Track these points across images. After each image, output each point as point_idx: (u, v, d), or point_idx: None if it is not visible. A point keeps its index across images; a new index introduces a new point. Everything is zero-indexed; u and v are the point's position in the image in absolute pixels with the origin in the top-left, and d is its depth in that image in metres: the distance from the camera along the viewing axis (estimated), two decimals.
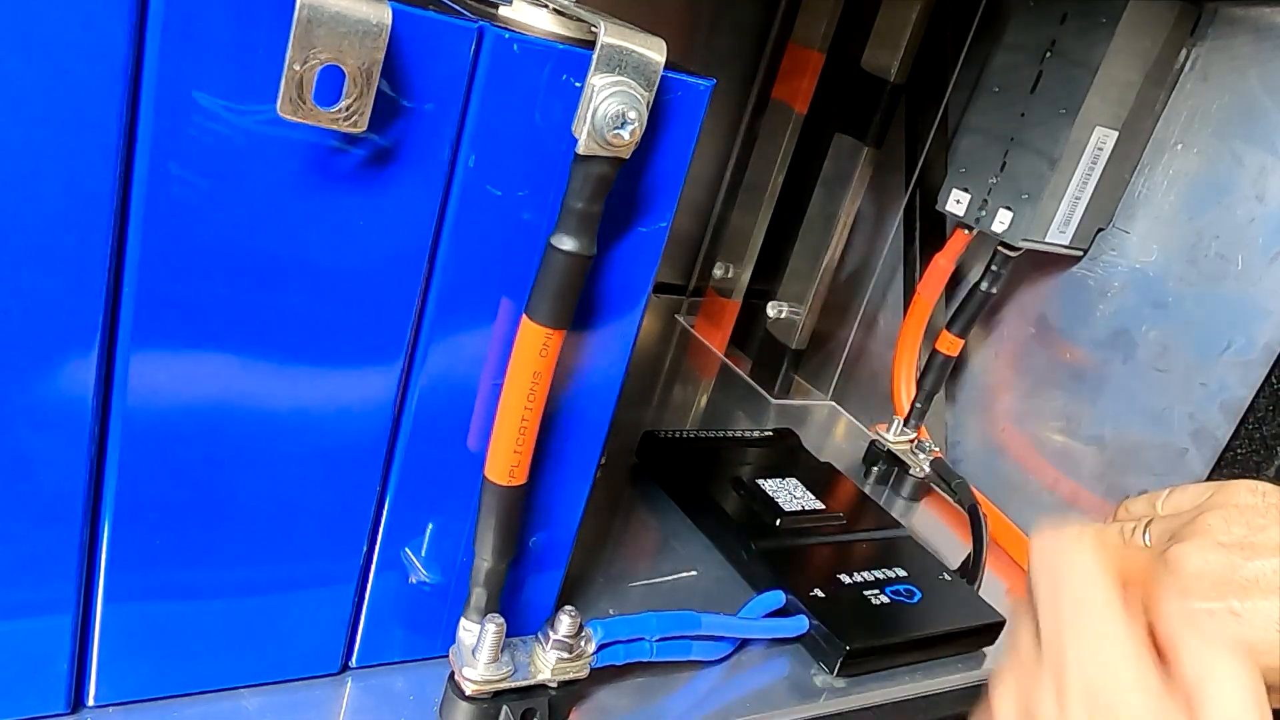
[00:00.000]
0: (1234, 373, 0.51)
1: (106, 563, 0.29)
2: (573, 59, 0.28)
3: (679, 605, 0.41)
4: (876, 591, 0.47)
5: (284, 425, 0.30)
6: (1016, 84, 0.56)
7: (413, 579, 0.35)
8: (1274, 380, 0.49)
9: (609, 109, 0.28)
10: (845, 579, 0.47)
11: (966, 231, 0.60)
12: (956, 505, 0.61)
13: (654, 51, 0.28)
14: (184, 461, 0.29)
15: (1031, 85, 0.55)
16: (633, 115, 0.28)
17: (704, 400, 0.72)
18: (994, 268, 0.59)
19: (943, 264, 0.62)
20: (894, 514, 0.56)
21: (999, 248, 0.58)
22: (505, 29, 0.28)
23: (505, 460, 0.32)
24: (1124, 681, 0.25)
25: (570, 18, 0.29)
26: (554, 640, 0.35)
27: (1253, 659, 0.25)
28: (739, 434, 0.60)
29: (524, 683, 0.34)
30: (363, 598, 0.35)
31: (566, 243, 0.29)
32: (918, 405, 0.64)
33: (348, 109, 0.25)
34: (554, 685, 0.35)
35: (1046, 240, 0.56)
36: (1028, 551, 0.33)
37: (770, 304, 0.73)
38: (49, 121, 0.23)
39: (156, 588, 0.30)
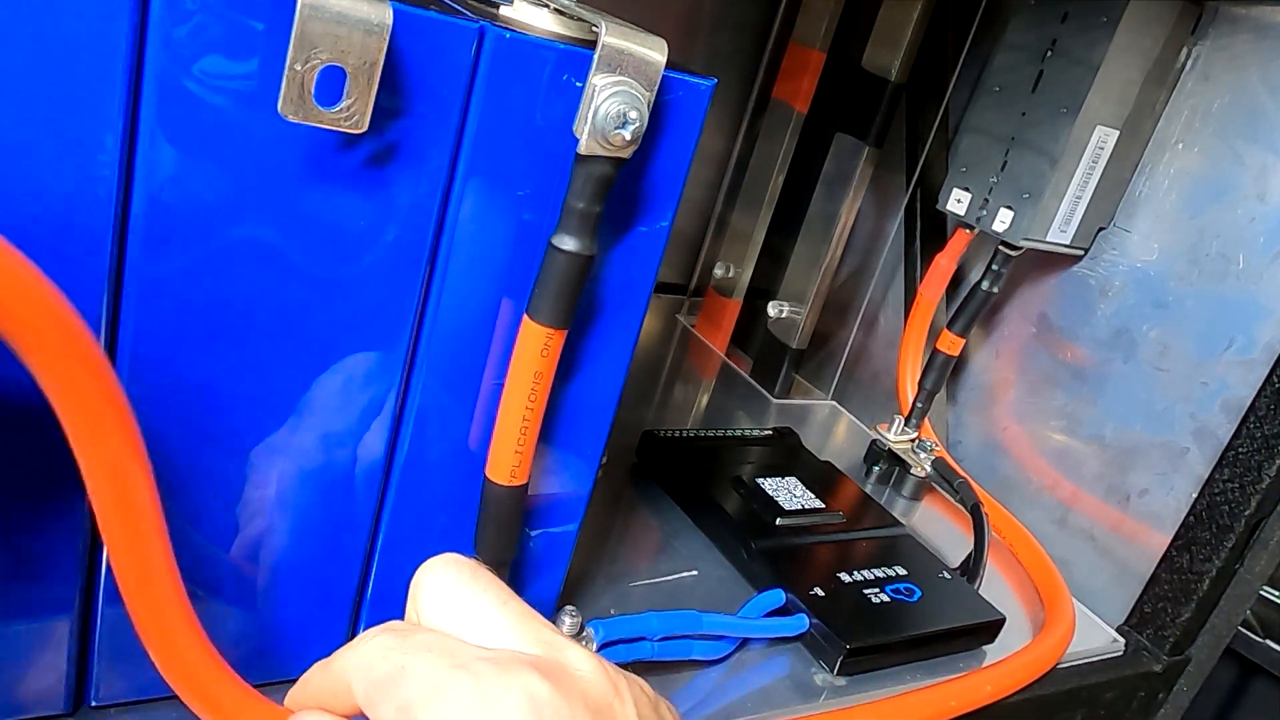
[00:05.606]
0: (1235, 372, 0.51)
1: (107, 562, 0.29)
2: (574, 59, 0.28)
3: (680, 604, 0.41)
4: (876, 590, 0.47)
5: (283, 426, 0.30)
6: (1017, 83, 0.56)
7: None
8: (1275, 379, 0.49)
9: (610, 109, 0.28)
10: (845, 578, 0.47)
11: (967, 231, 0.60)
12: (959, 505, 0.61)
13: (655, 51, 0.28)
14: (184, 462, 0.29)
15: (1032, 84, 0.55)
16: (634, 115, 0.28)
17: (704, 400, 0.72)
18: (995, 267, 0.59)
19: (944, 264, 0.63)
20: (895, 513, 0.56)
21: (1000, 247, 0.58)
22: (506, 29, 0.27)
23: (506, 460, 0.32)
24: None
25: (571, 17, 0.29)
26: None
27: None
28: (739, 433, 0.60)
29: None
30: (363, 598, 0.35)
31: (567, 243, 0.29)
32: (918, 405, 0.64)
33: (348, 109, 0.25)
34: None
35: (1047, 239, 0.56)
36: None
37: (771, 304, 0.73)
38: (51, 118, 0.23)
39: None
